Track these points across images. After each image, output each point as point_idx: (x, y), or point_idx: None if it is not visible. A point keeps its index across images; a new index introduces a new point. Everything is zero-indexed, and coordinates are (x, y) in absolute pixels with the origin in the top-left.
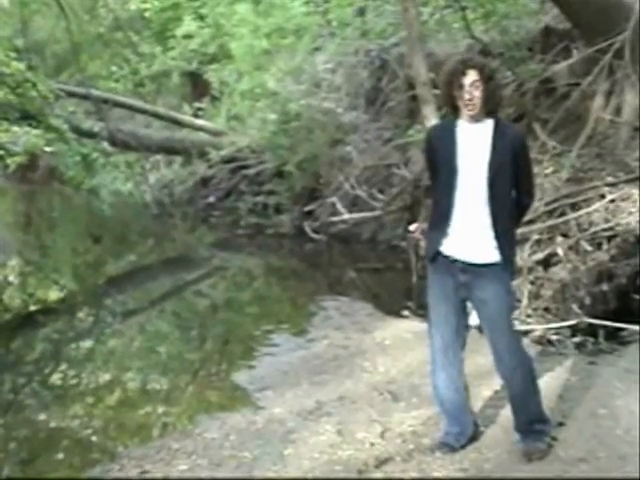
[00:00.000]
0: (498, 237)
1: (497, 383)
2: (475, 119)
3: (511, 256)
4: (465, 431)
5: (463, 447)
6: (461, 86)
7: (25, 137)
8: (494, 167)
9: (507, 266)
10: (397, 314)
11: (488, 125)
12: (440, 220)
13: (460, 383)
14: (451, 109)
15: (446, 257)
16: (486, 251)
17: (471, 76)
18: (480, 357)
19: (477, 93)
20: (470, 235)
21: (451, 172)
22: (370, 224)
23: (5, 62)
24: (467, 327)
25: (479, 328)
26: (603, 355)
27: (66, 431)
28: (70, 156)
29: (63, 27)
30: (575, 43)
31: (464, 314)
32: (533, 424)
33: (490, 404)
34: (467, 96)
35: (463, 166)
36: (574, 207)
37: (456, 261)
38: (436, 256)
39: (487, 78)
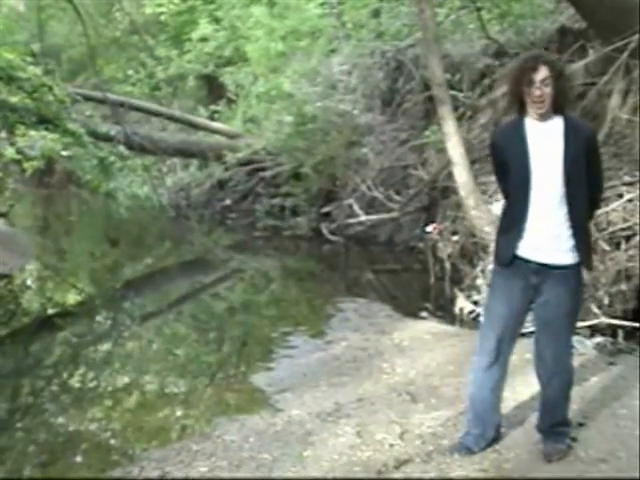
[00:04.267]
0: (576, 237)
1: (518, 384)
2: (544, 117)
3: (588, 257)
4: (486, 434)
5: (482, 449)
6: (531, 82)
7: (42, 141)
8: (569, 164)
9: (580, 269)
10: (415, 315)
11: (558, 122)
12: (515, 222)
13: (499, 385)
14: (518, 107)
15: (520, 259)
16: (562, 252)
17: (542, 72)
18: None
19: (547, 90)
20: (546, 236)
21: (524, 172)
22: (387, 225)
23: (22, 67)
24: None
25: None
26: (622, 355)
27: (85, 434)
28: (87, 160)
29: (79, 31)
30: (591, 42)
31: (524, 319)
32: (556, 426)
33: (510, 405)
34: (537, 92)
35: (536, 165)
36: None
37: (530, 262)
38: (512, 259)
39: (558, 75)
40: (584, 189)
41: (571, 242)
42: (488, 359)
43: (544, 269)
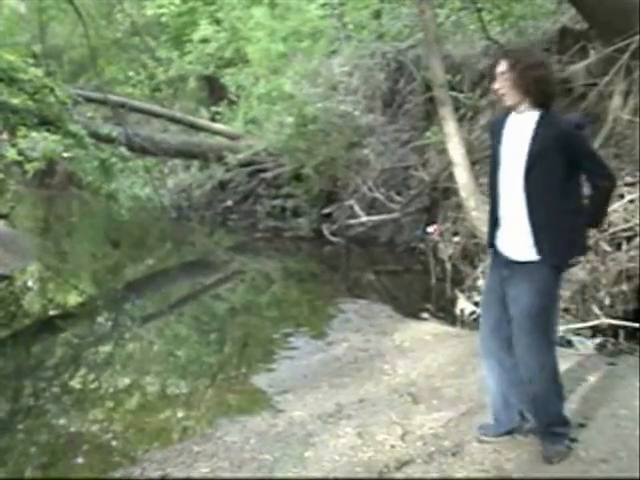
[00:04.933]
0: (536, 233)
1: None
2: (517, 110)
3: (552, 254)
4: (499, 421)
5: (499, 435)
6: (493, 77)
7: (43, 142)
8: (531, 158)
9: (544, 265)
10: (416, 316)
11: (534, 116)
12: (492, 213)
13: (501, 374)
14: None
15: (497, 250)
16: (522, 248)
17: (501, 66)
18: None
19: (503, 83)
20: (510, 229)
21: (496, 164)
22: (388, 226)
23: (23, 68)
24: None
25: None
26: (623, 356)
27: (86, 435)
28: (88, 161)
29: (80, 33)
30: (592, 43)
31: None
32: (553, 427)
33: None
34: (495, 86)
35: (505, 158)
36: None
37: (502, 255)
38: (493, 247)
39: (511, 66)
40: (552, 185)
41: (530, 240)
42: (481, 345)
43: (512, 264)
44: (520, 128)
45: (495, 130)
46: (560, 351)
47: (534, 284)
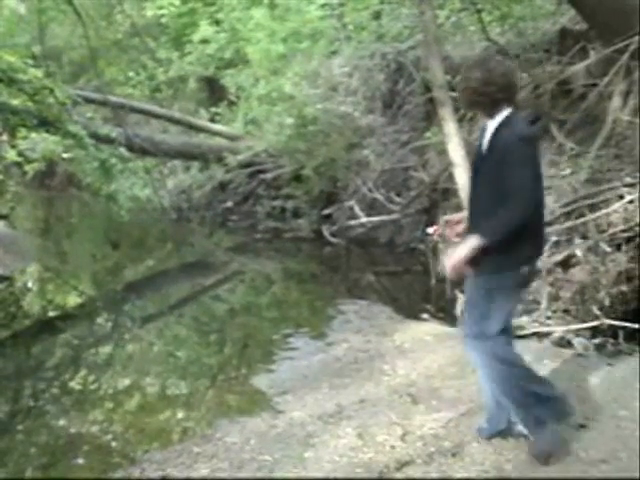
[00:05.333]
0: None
1: None
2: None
3: (475, 259)
4: (490, 422)
5: (490, 438)
6: None
7: (43, 143)
8: (480, 164)
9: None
10: (416, 317)
11: (496, 122)
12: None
13: None
14: None
15: None
16: None
17: None
18: None
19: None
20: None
21: (471, 167)
22: (388, 227)
23: (23, 69)
24: None
25: None
26: (623, 356)
27: (86, 436)
28: (88, 162)
29: (80, 34)
30: (592, 44)
31: None
32: (530, 408)
33: None
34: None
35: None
36: (592, 208)
37: None
38: None
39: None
40: (489, 192)
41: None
42: None
43: None
44: (487, 133)
45: (480, 134)
46: (560, 352)
47: (473, 281)
